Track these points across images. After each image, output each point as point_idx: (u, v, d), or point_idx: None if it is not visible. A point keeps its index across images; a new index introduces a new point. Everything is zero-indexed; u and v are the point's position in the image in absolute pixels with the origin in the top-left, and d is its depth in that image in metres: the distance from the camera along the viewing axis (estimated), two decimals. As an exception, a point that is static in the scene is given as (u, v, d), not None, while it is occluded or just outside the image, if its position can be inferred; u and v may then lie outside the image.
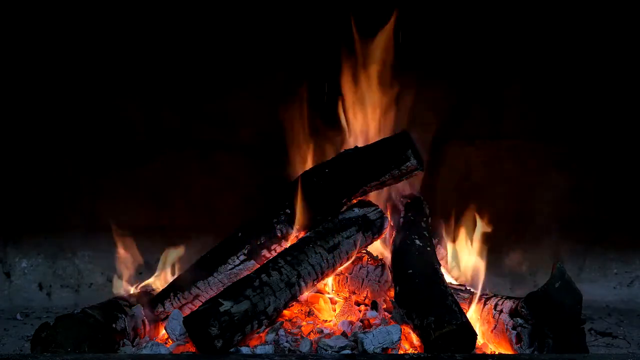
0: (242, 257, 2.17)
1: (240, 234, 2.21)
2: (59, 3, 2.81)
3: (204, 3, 2.85)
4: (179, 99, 2.94)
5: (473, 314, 2.05)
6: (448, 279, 2.22)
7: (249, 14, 2.86)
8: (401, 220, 2.30)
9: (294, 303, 2.06)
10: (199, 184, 2.94)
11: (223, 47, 2.89)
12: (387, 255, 2.26)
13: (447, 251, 2.40)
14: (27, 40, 2.86)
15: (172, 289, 2.19)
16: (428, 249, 2.16)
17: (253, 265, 2.15)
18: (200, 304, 2.02)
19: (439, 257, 2.22)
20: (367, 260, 2.22)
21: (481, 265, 2.23)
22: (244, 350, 1.86)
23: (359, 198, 2.25)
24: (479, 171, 2.98)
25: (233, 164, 2.95)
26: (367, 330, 1.97)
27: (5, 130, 2.91)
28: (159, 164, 2.95)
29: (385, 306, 2.15)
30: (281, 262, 2.00)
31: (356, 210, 2.19)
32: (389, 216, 2.29)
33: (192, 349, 1.90)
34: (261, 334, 1.93)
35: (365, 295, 2.21)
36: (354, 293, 2.23)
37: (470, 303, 2.09)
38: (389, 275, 2.17)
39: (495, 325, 1.95)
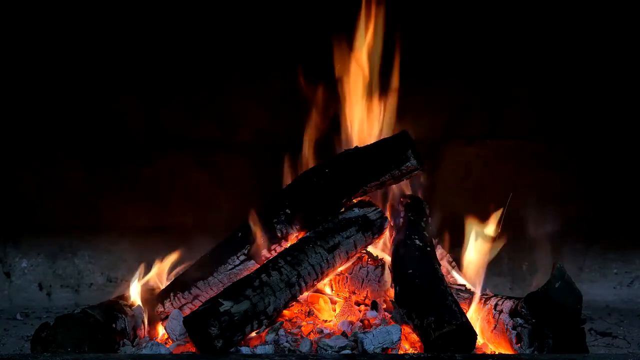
0: (242, 257, 2.17)
1: (240, 234, 2.21)
2: (58, 2, 2.81)
3: (203, 3, 2.85)
4: (179, 99, 2.94)
5: (473, 314, 2.05)
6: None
7: (250, 13, 2.86)
8: (401, 220, 2.30)
9: (294, 303, 2.06)
10: (199, 184, 2.94)
11: (223, 47, 2.89)
12: (387, 255, 2.26)
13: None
14: (27, 41, 2.86)
15: (172, 289, 2.19)
16: (428, 249, 2.16)
17: (253, 265, 2.15)
18: (200, 304, 2.02)
19: (438, 257, 2.22)
20: (367, 260, 2.22)
21: (482, 265, 2.22)
22: (244, 350, 1.86)
23: (359, 198, 2.25)
24: (479, 171, 2.98)
25: (233, 164, 2.95)
26: (367, 330, 1.97)
27: (6, 131, 2.91)
28: (159, 164, 2.95)
29: (385, 306, 2.15)
30: (281, 262, 2.00)
31: (356, 210, 2.19)
32: (389, 216, 2.29)
33: (192, 349, 1.90)
34: (261, 334, 1.93)
35: (365, 295, 2.21)
36: (354, 293, 2.23)
37: (470, 303, 2.10)
38: (389, 275, 2.17)
39: (495, 325, 1.96)
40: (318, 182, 2.20)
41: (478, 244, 2.27)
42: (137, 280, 2.21)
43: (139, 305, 2.12)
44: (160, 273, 2.29)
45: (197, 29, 2.87)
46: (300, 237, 2.16)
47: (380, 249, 2.33)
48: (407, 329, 1.93)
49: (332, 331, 2.02)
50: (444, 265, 2.30)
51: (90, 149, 2.94)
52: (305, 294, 2.10)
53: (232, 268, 2.16)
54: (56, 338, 1.83)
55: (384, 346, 1.84)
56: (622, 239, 3.01)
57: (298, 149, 2.45)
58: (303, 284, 2.01)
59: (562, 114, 2.96)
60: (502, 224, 2.28)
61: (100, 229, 2.97)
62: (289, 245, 2.15)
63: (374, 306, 2.15)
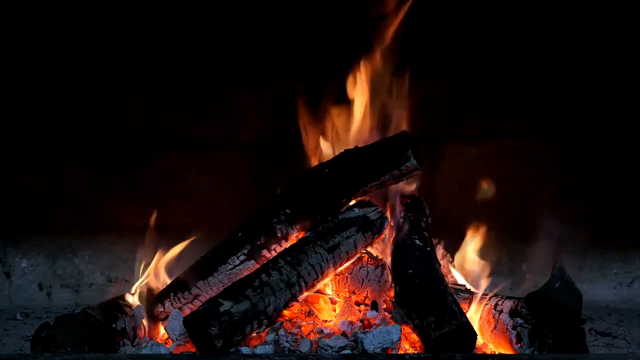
0: (242, 257, 2.17)
1: (240, 234, 2.21)
2: (58, 2, 2.81)
3: (204, 3, 2.85)
4: (179, 99, 2.94)
5: (473, 314, 2.05)
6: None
7: (250, 13, 2.86)
8: (401, 220, 2.30)
9: (294, 303, 2.07)
10: (199, 184, 2.94)
11: (223, 47, 2.89)
12: (387, 255, 2.26)
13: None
14: (26, 40, 2.86)
15: (172, 289, 2.19)
16: (428, 249, 2.16)
17: (253, 265, 2.15)
18: (200, 304, 2.02)
19: (439, 257, 2.22)
20: (367, 260, 2.22)
21: (483, 265, 2.23)
22: (244, 350, 1.86)
23: (359, 198, 2.25)
24: (479, 171, 2.97)
25: (233, 164, 2.95)
26: (367, 330, 1.97)
27: (6, 131, 2.91)
28: (159, 164, 2.95)
29: (385, 306, 2.15)
30: (281, 262, 2.00)
31: (356, 210, 2.19)
32: (389, 216, 2.29)
33: (192, 349, 1.90)
34: (261, 334, 1.93)
35: (365, 295, 2.21)
36: (354, 293, 2.23)
37: (470, 303, 2.10)
38: (389, 275, 2.17)
39: (495, 325, 1.96)
40: (318, 182, 2.20)
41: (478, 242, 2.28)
42: (139, 280, 2.22)
43: (139, 305, 2.12)
44: (160, 273, 2.29)
45: (197, 30, 2.87)
46: (300, 237, 2.16)
47: (380, 249, 2.33)
48: (407, 329, 1.93)
49: (332, 331, 2.02)
50: (444, 265, 2.31)
51: (90, 149, 2.94)
52: (305, 294, 2.10)
53: (232, 268, 2.16)
54: (56, 338, 1.83)
55: (384, 346, 1.84)
56: (622, 239, 3.01)
57: (298, 149, 2.45)
58: (303, 284, 2.01)
59: (562, 114, 2.95)
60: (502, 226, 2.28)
61: (100, 229, 2.97)
62: (289, 245, 2.15)
63: (374, 306, 2.15)
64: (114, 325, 1.96)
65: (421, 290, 1.94)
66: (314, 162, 2.39)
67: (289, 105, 2.50)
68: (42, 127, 2.92)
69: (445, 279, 2.08)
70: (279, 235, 2.18)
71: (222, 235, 2.28)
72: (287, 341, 1.93)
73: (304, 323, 2.06)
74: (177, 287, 2.18)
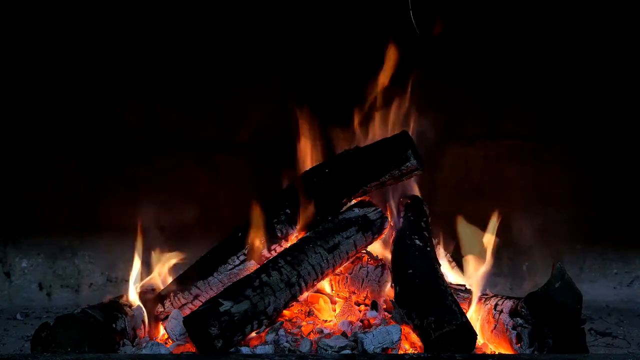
0: (242, 257, 2.17)
1: (240, 234, 2.21)
2: (59, 3, 2.82)
3: (204, 3, 2.85)
4: (179, 99, 2.94)
5: (473, 314, 2.05)
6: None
7: (250, 13, 2.86)
8: (401, 220, 2.30)
9: (294, 303, 2.07)
10: (199, 183, 2.94)
11: (223, 47, 2.89)
12: (387, 255, 2.26)
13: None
14: (27, 40, 2.86)
15: (172, 289, 2.19)
16: (428, 249, 2.16)
17: (253, 265, 2.15)
18: (200, 304, 2.02)
19: (438, 257, 2.22)
20: (367, 260, 2.22)
21: (482, 264, 2.23)
22: (244, 350, 1.86)
23: (359, 198, 2.25)
24: (479, 171, 2.98)
25: (233, 164, 2.95)
26: (367, 330, 1.97)
27: (5, 131, 2.91)
28: (159, 163, 2.95)
29: (385, 306, 2.15)
30: (281, 262, 2.00)
31: (356, 210, 2.19)
32: (389, 216, 2.29)
33: (192, 349, 1.90)
34: (261, 334, 1.93)
35: (365, 295, 2.21)
36: (354, 293, 2.23)
37: (470, 303, 2.10)
38: (389, 275, 2.17)
39: (495, 325, 1.96)
40: (318, 182, 2.20)
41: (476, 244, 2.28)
42: (134, 280, 2.21)
43: (139, 305, 2.12)
44: (160, 273, 2.29)
45: (197, 30, 2.87)
46: (300, 237, 2.16)
47: (381, 248, 2.33)
48: (407, 329, 1.93)
49: (332, 331, 2.02)
50: (444, 265, 2.31)
51: (90, 149, 2.94)
52: (305, 294, 2.10)
53: (232, 268, 2.16)
54: (56, 338, 1.83)
55: (384, 346, 1.84)
56: (622, 239, 3.01)
57: (299, 149, 2.45)
58: (303, 284, 2.01)
59: (562, 114, 2.95)
60: (502, 226, 2.28)
61: (100, 229, 2.97)
62: (289, 245, 2.15)
63: (374, 306, 2.15)
64: (114, 325, 1.97)
65: (421, 290, 1.94)
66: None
67: (289, 105, 2.50)
68: (43, 128, 2.92)
69: (445, 279, 2.08)
70: (279, 235, 2.19)
71: (222, 235, 2.28)
72: (287, 341, 1.93)
73: (304, 323, 2.06)
74: (177, 287, 2.18)
